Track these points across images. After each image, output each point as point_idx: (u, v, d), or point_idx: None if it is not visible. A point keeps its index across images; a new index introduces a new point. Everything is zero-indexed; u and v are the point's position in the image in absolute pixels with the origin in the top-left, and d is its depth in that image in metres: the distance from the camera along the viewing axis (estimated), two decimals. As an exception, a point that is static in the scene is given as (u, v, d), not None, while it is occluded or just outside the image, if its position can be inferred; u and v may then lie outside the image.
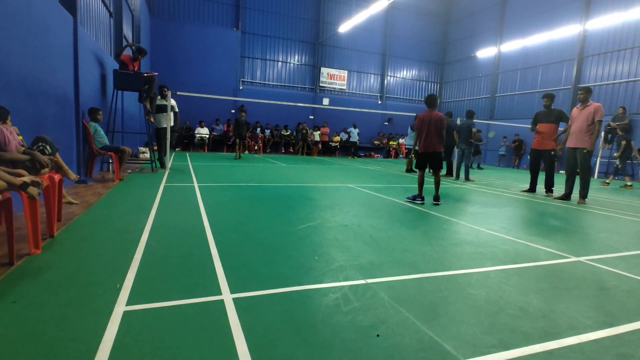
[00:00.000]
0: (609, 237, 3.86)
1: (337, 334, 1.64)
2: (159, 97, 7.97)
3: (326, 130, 18.33)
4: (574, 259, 2.99)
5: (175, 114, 8.43)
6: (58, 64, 4.72)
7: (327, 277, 2.31)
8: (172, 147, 10.57)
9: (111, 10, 8.71)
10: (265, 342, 1.55)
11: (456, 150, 9.45)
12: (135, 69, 7.41)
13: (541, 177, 7.21)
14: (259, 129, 17.39)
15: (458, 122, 9.72)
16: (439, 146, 5.24)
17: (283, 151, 17.91)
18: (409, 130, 11.16)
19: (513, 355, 1.55)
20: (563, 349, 1.62)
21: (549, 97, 6.82)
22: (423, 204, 5.20)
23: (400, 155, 19.74)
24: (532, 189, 7.21)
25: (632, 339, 1.75)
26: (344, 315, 1.82)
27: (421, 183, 5.28)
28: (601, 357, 1.58)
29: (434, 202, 5.16)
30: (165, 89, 8.02)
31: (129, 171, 7.16)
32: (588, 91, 6.11)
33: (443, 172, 9.89)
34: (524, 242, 3.44)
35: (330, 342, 1.57)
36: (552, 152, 6.78)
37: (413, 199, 5.30)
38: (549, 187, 6.93)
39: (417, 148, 5.40)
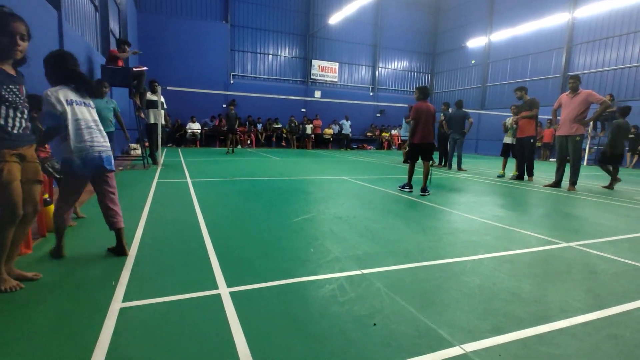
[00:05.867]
0: (598, 222, 3.94)
1: (335, 324, 1.66)
2: (148, 92, 7.86)
3: (319, 123, 18.27)
4: (564, 244, 3.05)
5: (164, 110, 8.35)
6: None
7: (323, 268, 2.33)
8: (164, 143, 10.47)
9: (96, 4, 8.51)
10: (263, 334, 1.56)
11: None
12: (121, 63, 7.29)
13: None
14: (252, 126, 17.26)
15: (449, 111, 9.77)
16: (433, 137, 5.31)
17: (276, 141, 17.82)
18: (404, 121, 11.15)
19: (507, 339, 1.59)
20: (555, 332, 1.66)
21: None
22: (411, 191, 5.37)
23: (393, 147, 19.80)
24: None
25: (621, 320, 1.80)
26: (340, 305, 1.84)
27: (411, 173, 5.46)
28: (591, 339, 1.62)
29: (422, 193, 5.17)
30: (156, 84, 7.91)
31: (120, 168, 7.08)
32: (578, 78, 6.21)
33: (436, 162, 9.97)
34: (516, 229, 3.49)
35: (327, 333, 1.59)
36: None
37: (402, 187, 5.55)
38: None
39: (412, 140, 5.40)
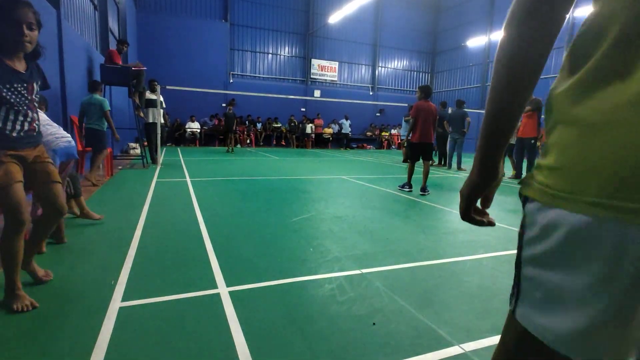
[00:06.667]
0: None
1: (334, 324, 1.66)
2: (148, 91, 7.85)
3: (320, 122, 18.25)
4: (564, 244, 3.05)
5: (162, 109, 8.36)
6: (42, 59, 4.61)
7: (323, 268, 2.33)
8: (163, 143, 10.46)
9: (95, 3, 8.50)
10: (263, 334, 1.56)
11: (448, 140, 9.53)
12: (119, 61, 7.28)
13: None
14: (252, 125, 17.25)
15: (449, 111, 9.77)
16: (432, 137, 5.31)
17: (282, 143, 17.83)
18: (403, 121, 11.18)
19: (506, 338, 1.58)
20: (554, 332, 1.66)
21: None
22: (411, 191, 5.37)
23: (393, 146, 19.81)
24: None
25: (620, 319, 1.80)
26: (340, 305, 1.84)
27: (411, 172, 5.46)
28: (590, 338, 1.62)
29: (421, 193, 5.19)
30: (155, 83, 7.91)
31: (119, 167, 7.07)
32: None
33: (436, 161, 9.98)
34: (516, 228, 3.49)
35: (327, 332, 1.59)
36: None
37: (402, 187, 5.56)
38: None
39: (409, 138, 5.42)
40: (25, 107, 1.72)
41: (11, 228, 1.67)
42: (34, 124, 1.79)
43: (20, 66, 1.69)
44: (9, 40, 1.61)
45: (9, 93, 1.63)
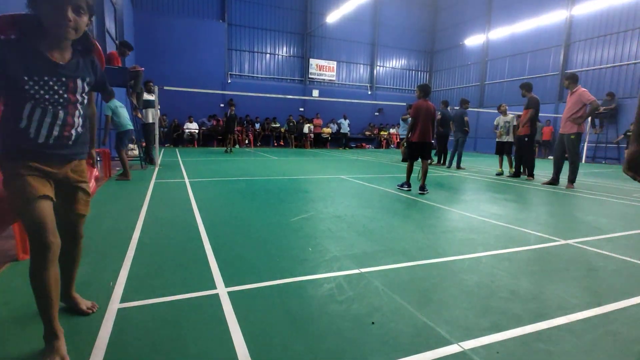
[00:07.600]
0: (596, 219, 3.94)
1: (333, 323, 1.66)
2: (145, 92, 7.84)
3: (319, 122, 18.25)
4: (562, 242, 3.06)
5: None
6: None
7: (321, 267, 2.33)
8: (161, 143, 10.45)
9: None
10: (262, 334, 1.56)
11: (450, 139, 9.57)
12: (119, 65, 7.26)
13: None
14: (250, 125, 17.24)
15: (449, 110, 9.80)
16: (431, 136, 5.32)
17: (275, 144, 17.83)
18: (401, 121, 11.22)
19: (505, 336, 1.59)
20: (553, 329, 1.66)
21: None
22: (409, 190, 5.37)
23: (392, 146, 19.83)
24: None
25: (619, 316, 1.81)
26: (339, 304, 1.84)
27: (410, 172, 5.46)
28: (589, 335, 1.62)
29: (420, 192, 5.17)
30: (151, 84, 7.90)
31: (118, 169, 7.05)
32: (570, 77, 6.17)
33: (435, 160, 9.99)
34: (514, 227, 3.49)
35: (326, 332, 1.59)
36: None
37: (401, 186, 5.54)
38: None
39: (410, 138, 5.41)
40: (57, 107, 1.35)
41: (37, 255, 1.30)
42: (70, 130, 1.40)
43: (60, 57, 1.36)
44: (50, 23, 1.29)
45: (36, 86, 1.29)
